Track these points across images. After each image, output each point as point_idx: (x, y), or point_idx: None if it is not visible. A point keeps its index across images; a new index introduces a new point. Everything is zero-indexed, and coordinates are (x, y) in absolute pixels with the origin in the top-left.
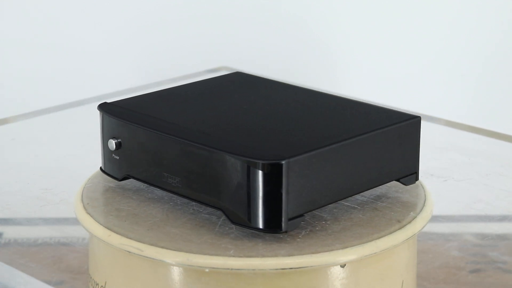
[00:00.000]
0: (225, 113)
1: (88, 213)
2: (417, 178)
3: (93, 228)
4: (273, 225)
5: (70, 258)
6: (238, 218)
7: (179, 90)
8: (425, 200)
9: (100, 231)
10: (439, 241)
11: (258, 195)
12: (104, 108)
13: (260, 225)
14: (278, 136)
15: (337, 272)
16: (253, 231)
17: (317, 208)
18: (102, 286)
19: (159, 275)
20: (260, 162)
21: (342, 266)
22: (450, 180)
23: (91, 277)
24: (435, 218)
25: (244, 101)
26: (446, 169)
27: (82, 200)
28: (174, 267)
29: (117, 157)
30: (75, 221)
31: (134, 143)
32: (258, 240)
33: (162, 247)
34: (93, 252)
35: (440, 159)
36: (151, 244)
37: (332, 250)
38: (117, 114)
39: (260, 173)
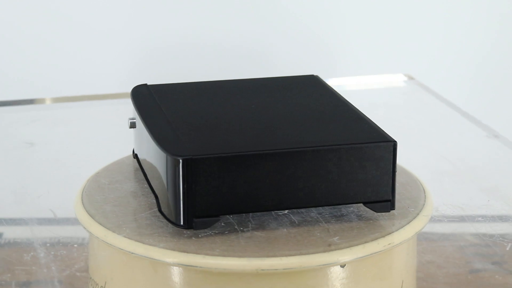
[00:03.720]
0: (227, 110)
1: (88, 213)
2: (392, 207)
3: (93, 228)
4: (180, 220)
5: (70, 258)
6: (162, 208)
7: (228, 84)
8: (425, 200)
9: (100, 231)
10: (439, 241)
11: (170, 188)
12: (134, 88)
13: (171, 218)
14: (230, 136)
15: (337, 272)
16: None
17: (241, 213)
18: (102, 286)
19: (159, 275)
20: (169, 156)
21: (342, 266)
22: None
23: (91, 277)
24: (435, 218)
25: (263, 102)
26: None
27: (82, 200)
28: (175, 268)
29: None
30: (75, 221)
31: (137, 125)
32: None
33: (96, 221)
34: (93, 252)
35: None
36: (91, 216)
37: (332, 250)
38: (135, 96)
39: (171, 167)
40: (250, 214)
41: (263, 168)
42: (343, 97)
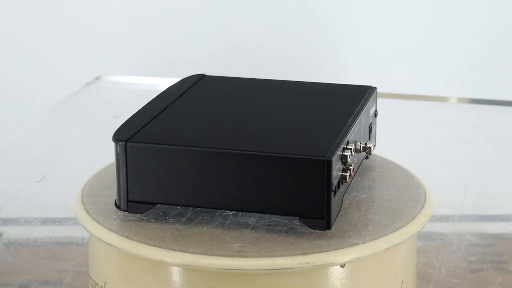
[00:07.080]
0: (237, 108)
1: (88, 213)
2: (328, 227)
3: (93, 228)
4: (117, 201)
5: (70, 258)
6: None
7: (276, 84)
8: (425, 200)
9: (99, 231)
10: (439, 241)
11: (116, 171)
12: (187, 77)
13: (116, 199)
14: (196, 131)
15: (337, 272)
16: None
17: (174, 205)
18: (102, 286)
19: (159, 275)
20: (113, 139)
21: (342, 266)
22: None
23: (91, 277)
24: (435, 218)
25: (280, 105)
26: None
27: (82, 200)
28: (175, 268)
29: None
30: (75, 221)
31: None
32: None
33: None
34: (93, 252)
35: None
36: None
37: (332, 250)
38: (176, 84)
39: (114, 150)
40: (198, 209)
41: (197, 164)
42: (357, 111)
